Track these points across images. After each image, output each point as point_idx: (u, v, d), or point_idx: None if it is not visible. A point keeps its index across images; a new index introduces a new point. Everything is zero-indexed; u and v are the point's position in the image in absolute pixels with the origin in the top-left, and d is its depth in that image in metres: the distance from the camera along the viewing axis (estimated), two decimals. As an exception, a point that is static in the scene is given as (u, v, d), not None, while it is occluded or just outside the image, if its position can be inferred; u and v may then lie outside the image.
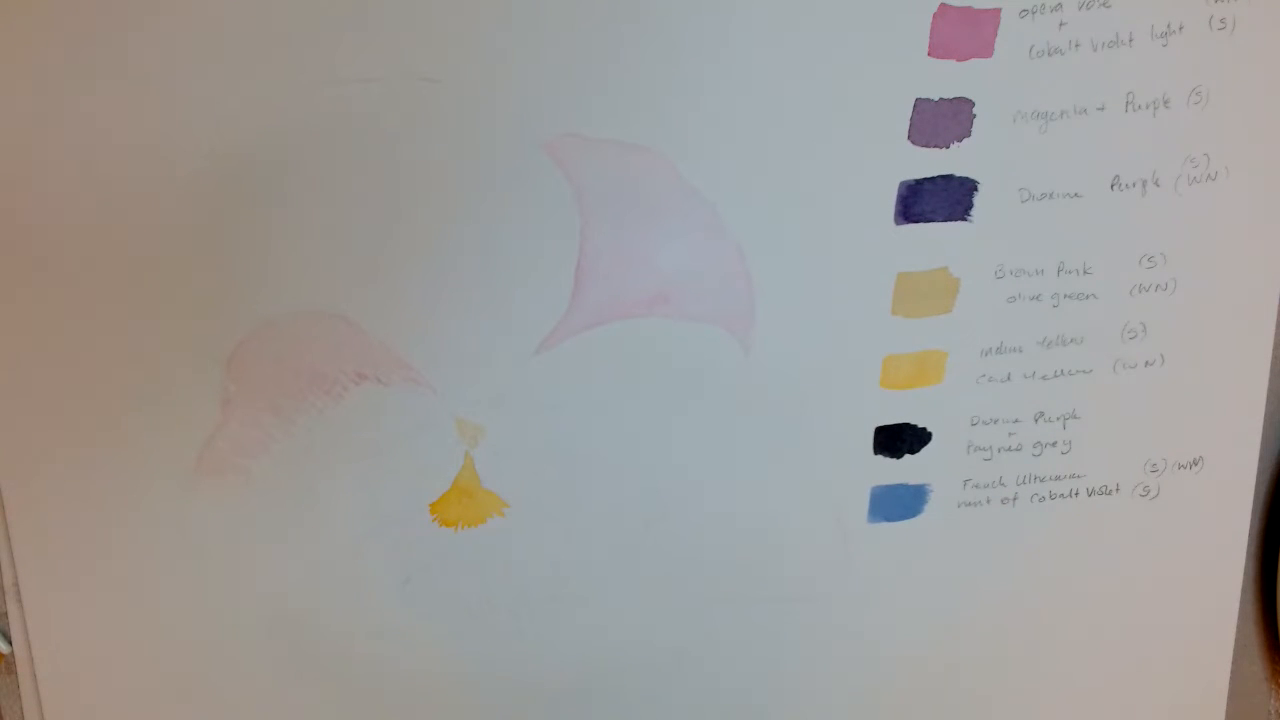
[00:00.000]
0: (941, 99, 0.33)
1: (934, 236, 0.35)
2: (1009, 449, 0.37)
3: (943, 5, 0.32)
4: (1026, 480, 0.37)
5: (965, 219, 0.35)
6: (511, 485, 0.36)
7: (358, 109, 0.32)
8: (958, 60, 0.33)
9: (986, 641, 0.39)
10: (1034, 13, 0.33)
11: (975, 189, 0.34)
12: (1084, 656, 0.40)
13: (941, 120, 0.34)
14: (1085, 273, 0.36)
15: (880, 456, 0.37)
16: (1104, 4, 0.33)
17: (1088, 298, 0.36)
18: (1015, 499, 0.38)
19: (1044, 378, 0.36)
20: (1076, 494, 0.38)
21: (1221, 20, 0.33)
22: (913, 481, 0.37)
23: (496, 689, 0.37)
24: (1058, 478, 0.38)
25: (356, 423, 0.35)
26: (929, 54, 0.33)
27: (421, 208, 0.33)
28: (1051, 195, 0.35)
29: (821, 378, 0.36)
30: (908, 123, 0.34)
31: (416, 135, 0.32)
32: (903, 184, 0.34)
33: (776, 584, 0.37)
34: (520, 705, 0.38)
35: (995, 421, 0.37)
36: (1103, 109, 0.34)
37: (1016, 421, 0.37)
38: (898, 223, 0.34)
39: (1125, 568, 0.39)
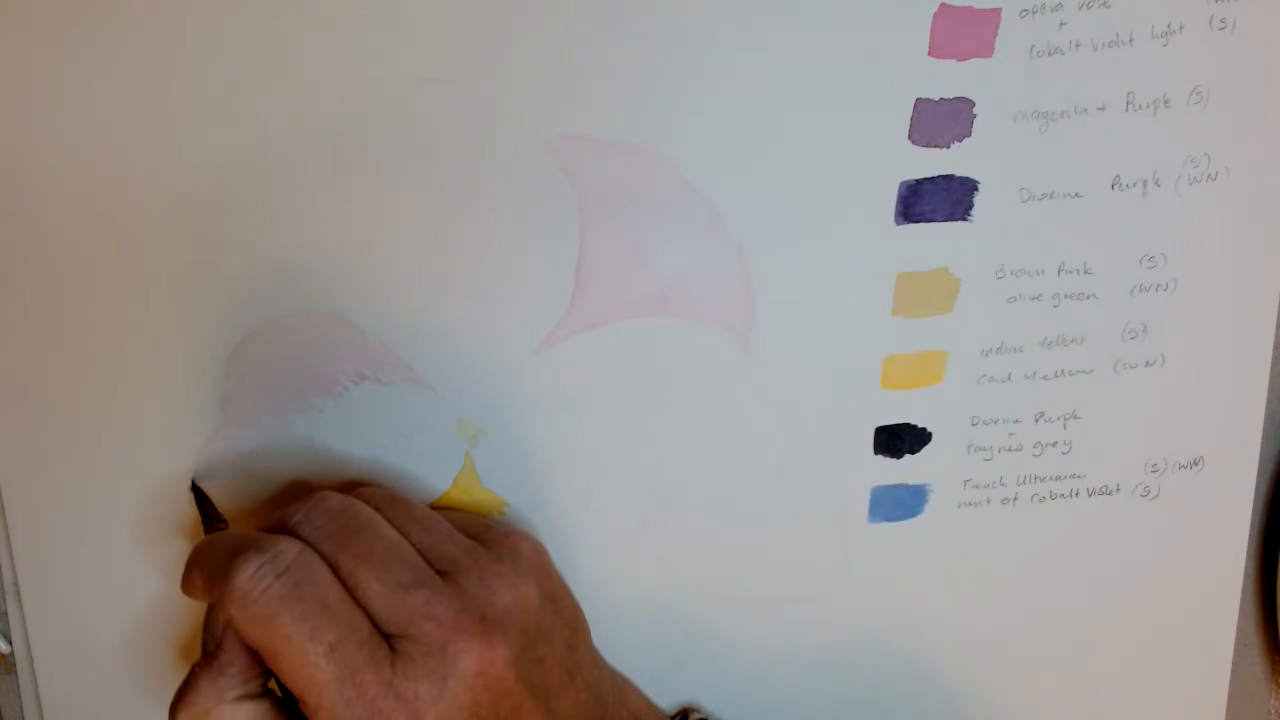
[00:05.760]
0: (941, 99, 0.33)
1: (934, 236, 0.35)
2: (1009, 449, 0.37)
3: (943, 5, 0.32)
4: (1027, 480, 0.37)
5: (965, 219, 0.35)
6: (511, 485, 0.36)
7: (357, 109, 0.32)
8: (958, 60, 0.33)
9: (986, 641, 0.39)
10: (1034, 13, 0.33)
11: (975, 189, 0.34)
12: (1084, 656, 0.40)
13: (941, 120, 0.34)
14: (1085, 273, 0.36)
15: (880, 456, 0.37)
16: (1104, 4, 0.33)
17: (1088, 298, 0.36)
18: (1015, 499, 0.38)
19: (1044, 378, 0.36)
20: (1076, 494, 0.38)
21: (1222, 20, 0.33)
22: (913, 481, 0.37)
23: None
24: (1058, 478, 0.38)
25: (356, 423, 0.35)
26: (929, 54, 0.33)
27: (421, 207, 0.33)
28: (1052, 195, 0.35)
29: (821, 378, 0.36)
30: (908, 123, 0.34)
31: (416, 135, 0.32)
32: (903, 184, 0.34)
33: (776, 584, 0.37)
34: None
35: (995, 421, 0.37)
36: (1103, 109, 0.34)
37: (1017, 421, 0.37)
38: (898, 223, 0.34)
39: (1125, 568, 0.39)
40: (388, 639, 0.28)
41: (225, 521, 0.33)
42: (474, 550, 0.30)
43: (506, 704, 0.28)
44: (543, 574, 0.31)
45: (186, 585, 0.29)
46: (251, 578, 0.27)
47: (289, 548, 0.28)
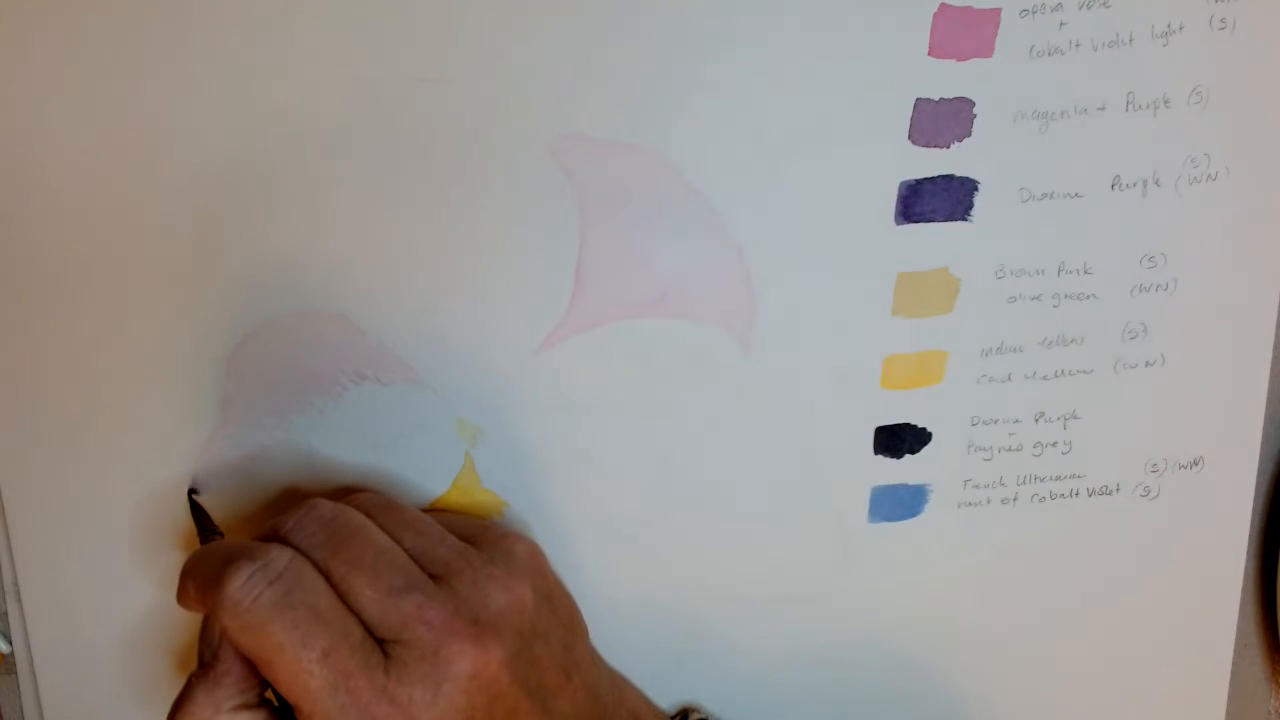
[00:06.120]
0: (941, 99, 0.33)
1: (934, 236, 0.35)
2: (1009, 449, 0.37)
3: (943, 5, 0.32)
4: (1026, 480, 0.37)
5: (965, 219, 0.35)
6: (511, 485, 0.36)
7: (357, 109, 0.32)
8: (958, 60, 0.33)
9: (986, 641, 0.39)
10: (1034, 13, 0.33)
11: (975, 189, 0.34)
12: (1084, 656, 0.40)
13: (941, 120, 0.34)
14: (1085, 273, 0.36)
15: (880, 456, 0.37)
16: (1104, 4, 0.33)
17: (1088, 298, 0.36)
18: (1015, 499, 0.38)
19: (1044, 378, 0.36)
20: (1076, 494, 0.38)
21: (1222, 20, 0.33)
22: (913, 481, 0.37)
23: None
24: (1058, 478, 0.38)
25: (356, 423, 0.35)
26: (929, 54, 0.33)
27: (421, 207, 0.33)
28: (1052, 195, 0.35)
29: (821, 378, 0.36)
30: (908, 123, 0.34)
31: (416, 135, 0.32)
32: (903, 184, 0.34)
33: (776, 584, 0.37)
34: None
35: (995, 421, 0.37)
36: (1103, 109, 0.34)
37: (1017, 421, 0.37)
38: (898, 223, 0.34)
39: (1125, 568, 0.39)
40: (381, 644, 0.28)
41: (221, 532, 0.33)
42: (467, 553, 0.30)
43: (502, 706, 0.28)
44: (538, 575, 0.31)
45: (181, 595, 0.29)
46: (243, 586, 0.27)
47: (280, 556, 0.28)
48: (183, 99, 0.32)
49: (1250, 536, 0.39)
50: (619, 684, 0.35)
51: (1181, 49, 0.34)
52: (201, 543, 0.33)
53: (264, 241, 0.33)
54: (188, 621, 0.36)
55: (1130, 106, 0.34)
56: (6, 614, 0.36)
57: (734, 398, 0.35)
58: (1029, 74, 0.33)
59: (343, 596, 0.28)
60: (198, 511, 0.34)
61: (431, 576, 0.29)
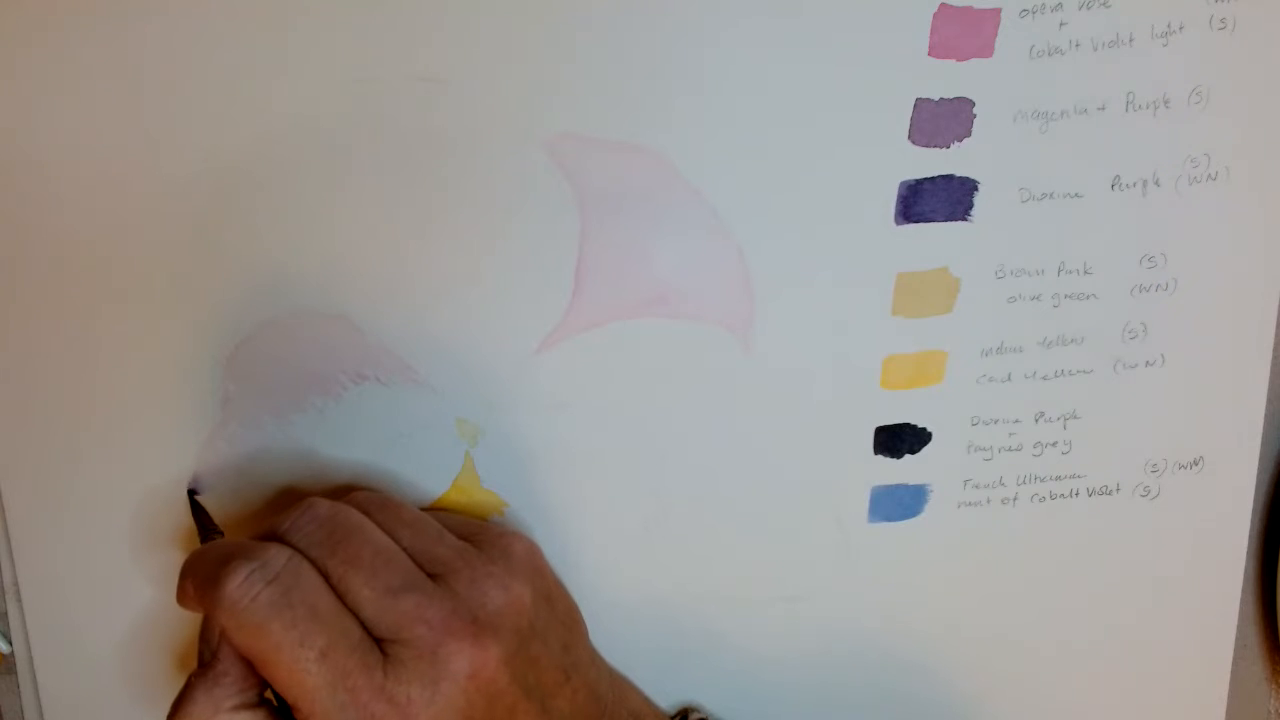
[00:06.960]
0: (942, 99, 0.33)
1: (934, 236, 0.35)
2: (1009, 449, 0.37)
3: (943, 5, 0.32)
4: (1026, 480, 0.37)
5: (965, 219, 0.35)
6: (511, 485, 0.36)
7: (356, 109, 0.32)
8: (958, 60, 0.33)
9: (986, 642, 0.39)
10: (1034, 13, 0.33)
11: (975, 189, 0.34)
12: (1084, 656, 0.40)
13: (941, 120, 0.34)
14: (1085, 273, 0.36)
15: (880, 456, 0.37)
16: (1104, 4, 0.33)
17: (1088, 298, 0.36)
18: (1015, 499, 0.38)
19: (1044, 378, 0.36)
20: (1076, 494, 0.38)
21: (1222, 20, 0.33)
22: (913, 481, 0.37)
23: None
24: (1058, 478, 0.38)
25: (356, 423, 0.35)
26: (929, 54, 0.33)
27: (421, 207, 0.33)
28: (1052, 195, 0.35)
29: (821, 378, 0.36)
30: (908, 123, 0.34)
31: (416, 135, 0.32)
32: (903, 184, 0.34)
33: (776, 584, 0.37)
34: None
35: (995, 421, 0.37)
36: (1103, 109, 0.34)
37: (1017, 421, 0.37)
38: (898, 223, 0.34)
39: (1125, 568, 0.39)
40: (380, 644, 0.28)
41: (221, 532, 0.33)
42: (465, 552, 0.30)
43: (500, 705, 0.28)
44: (536, 574, 0.31)
45: (180, 595, 0.29)
46: (240, 586, 0.27)
47: (278, 555, 0.28)
48: (182, 99, 0.32)
49: (1250, 536, 0.39)
50: (619, 683, 0.35)
51: (1181, 49, 0.34)
52: (202, 542, 0.33)
53: (264, 242, 0.33)
54: (187, 622, 0.36)
55: (1130, 106, 0.34)
56: (6, 614, 0.36)
57: (734, 398, 0.35)
58: (1029, 74, 0.33)
59: (341, 596, 0.28)
60: (198, 511, 0.34)
61: (430, 575, 0.29)
